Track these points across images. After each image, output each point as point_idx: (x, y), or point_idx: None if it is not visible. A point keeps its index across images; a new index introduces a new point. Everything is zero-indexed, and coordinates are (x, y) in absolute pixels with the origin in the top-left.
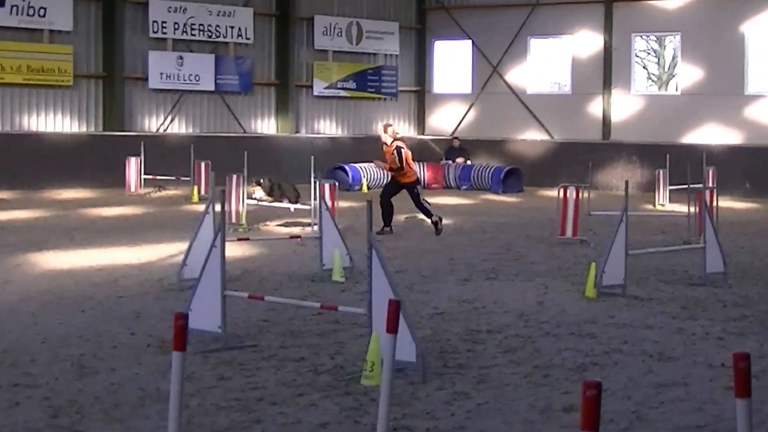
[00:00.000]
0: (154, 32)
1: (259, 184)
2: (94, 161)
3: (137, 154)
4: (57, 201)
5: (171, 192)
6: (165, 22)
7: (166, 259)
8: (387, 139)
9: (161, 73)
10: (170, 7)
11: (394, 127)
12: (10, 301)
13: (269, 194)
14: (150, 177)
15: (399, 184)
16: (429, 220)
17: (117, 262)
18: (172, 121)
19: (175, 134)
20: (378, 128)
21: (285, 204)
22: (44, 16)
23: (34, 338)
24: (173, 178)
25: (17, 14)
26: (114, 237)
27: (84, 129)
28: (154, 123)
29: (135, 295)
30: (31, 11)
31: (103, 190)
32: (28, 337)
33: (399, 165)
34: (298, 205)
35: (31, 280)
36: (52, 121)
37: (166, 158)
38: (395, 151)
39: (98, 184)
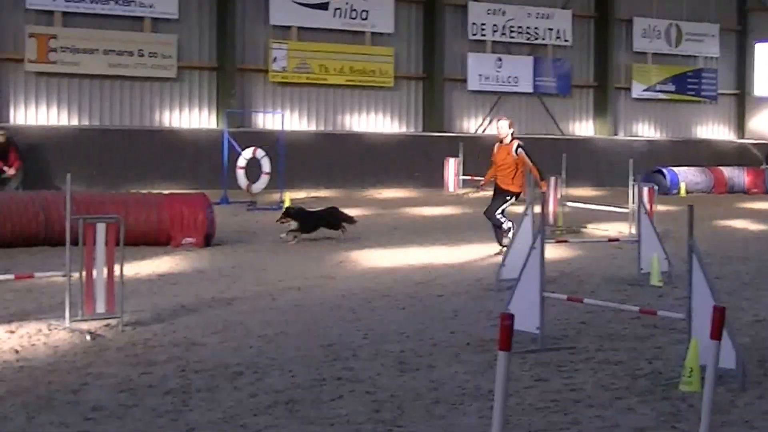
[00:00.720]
0: (473, 34)
1: (288, 215)
2: (413, 161)
3: (456, 155)
4: (377, 200)
5: (489, 193)
6: (484, 24)
7: (484, 260)
8: (507, 136)
9: (480, 75)
10: (489, 10)
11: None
12: (333, 297)
13: (301, 223)
14: (468, 178)
15: (501, 190)
16: (499, 236)
17: (436, 261)
18: (490, 122)
19: (494, 136)
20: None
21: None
22: (366, 18)
23: (356, 334)
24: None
25: (340, 17)
26: (433, 236)
27: (404, 129)
28: (472, 124)
29: (453, 294)
30: (353, 14)
31: (422, 189)
32: (351, 332)
33: (532, 163)
34: (612, 208)
35: (352, 277)
36: (373, 122)
37: (485, 159)
38: (517, 149)
39: (417, 184)
